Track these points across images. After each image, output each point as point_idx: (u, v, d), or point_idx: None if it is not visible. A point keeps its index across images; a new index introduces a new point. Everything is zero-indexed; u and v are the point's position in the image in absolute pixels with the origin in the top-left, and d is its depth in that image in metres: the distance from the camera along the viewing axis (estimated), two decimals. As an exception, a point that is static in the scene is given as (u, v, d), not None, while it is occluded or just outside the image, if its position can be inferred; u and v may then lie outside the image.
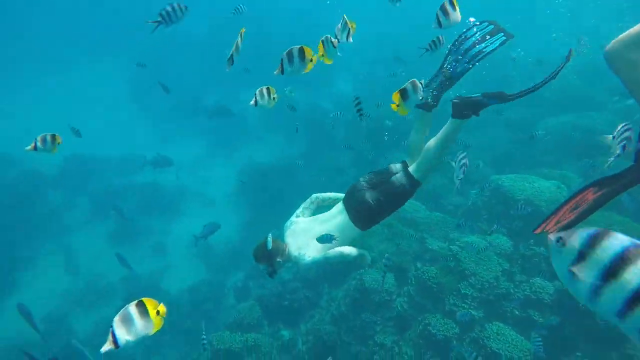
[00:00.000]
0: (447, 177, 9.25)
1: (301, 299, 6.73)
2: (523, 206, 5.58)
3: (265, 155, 13.13)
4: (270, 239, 3.22)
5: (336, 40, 2.82)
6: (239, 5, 4.75)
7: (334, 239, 3.11)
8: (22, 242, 10.95)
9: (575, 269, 1.18)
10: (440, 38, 3.35)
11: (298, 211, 3.62)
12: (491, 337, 4.91)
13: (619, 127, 2.71)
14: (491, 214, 6.95)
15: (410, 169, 3.28)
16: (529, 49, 12.41)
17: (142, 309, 2.07)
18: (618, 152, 2.62)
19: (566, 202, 1.74)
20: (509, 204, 6.65)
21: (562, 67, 2.71)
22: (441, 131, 3.11)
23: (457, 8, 2.78)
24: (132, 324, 2.04)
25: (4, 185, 12.66)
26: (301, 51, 2.76)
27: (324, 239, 3.11)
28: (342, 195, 3.51)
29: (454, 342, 5.18)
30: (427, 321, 5.29)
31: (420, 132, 3.37)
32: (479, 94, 2.86)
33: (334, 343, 6.07)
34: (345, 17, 2.91)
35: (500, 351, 4.77)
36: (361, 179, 3.44)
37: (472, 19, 2.80)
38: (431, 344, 5.23)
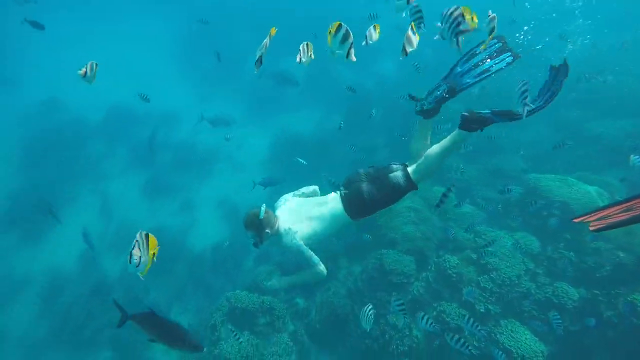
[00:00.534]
0: (479, 170, 9.02)
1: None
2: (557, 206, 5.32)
3: (301, 126, 13.15)
4: (264, 208, 3.26)
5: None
6: None
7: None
8: (64, 183, 11.60)
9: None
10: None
11: (296, 192, 3.64)
12: (504, 333, 4.89)
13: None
14: (523, 212, 6.77)
15: (410, 169, 3.26)
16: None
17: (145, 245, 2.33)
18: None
19: (620, 202, 1.69)
20: (542, 204, 6.44)
21: (564, 80, 2.78)
22: (446, 139, 3.12)
23: (417, 36, 2.73)
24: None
25: (51, 128, 13.35)
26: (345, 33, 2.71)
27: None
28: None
29: (466, 332, 5.19)
30: (441, 308, 5.31)
31: (420, 138, 3.37)
32: (489, 111, 2.86)
33: (346, 316, 6.20)
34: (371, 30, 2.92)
35: (512, 349, 4.75)
36: (361, 170, 3.45)
37: (491, 13, 2.68)
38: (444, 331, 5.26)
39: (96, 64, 3.17)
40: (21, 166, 12.29)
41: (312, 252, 3.12)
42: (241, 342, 5.12)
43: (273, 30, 3.02)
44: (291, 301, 6.72)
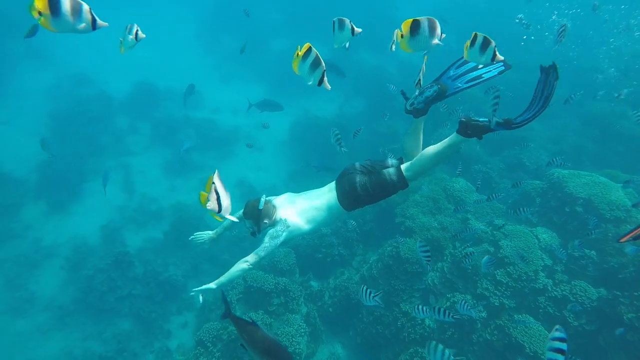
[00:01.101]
0: (505, 163, 8.86)
1: (335, 255, 6.93)
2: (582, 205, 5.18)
3: (322, 110, 13.08)
4: (264, 199, 3.31)
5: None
6: None
7: None
8: (90, 156, 11.91)
9: None
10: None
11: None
12: (518, 327, 4.87)
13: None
14: (544, 207, 6.64)
15: (403, 167, 3.23)
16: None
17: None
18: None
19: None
20: (565, 200, 6.31)
21: (556, 80, 2.67)
22: (443, 141, 3.03)
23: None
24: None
25: (79, 102, 13.63)
26: None
27: None
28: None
29: (478, 324, 5.21)
30: (455, 299, 5.32)
31: (412, 137, 3.33)
32: (487, 119, 2.79)
33: (358, 302, 6.29)
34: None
35: (525, 343, 4.73)
36: (357, 163, 3.46)
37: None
38: (456, 322, 5.28)
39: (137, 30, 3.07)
40: (49, 139, 12.64)
41: (271, 252, 3.22)
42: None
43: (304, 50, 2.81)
44: (305, 284, 6.84)
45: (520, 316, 5.03)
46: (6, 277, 8.58)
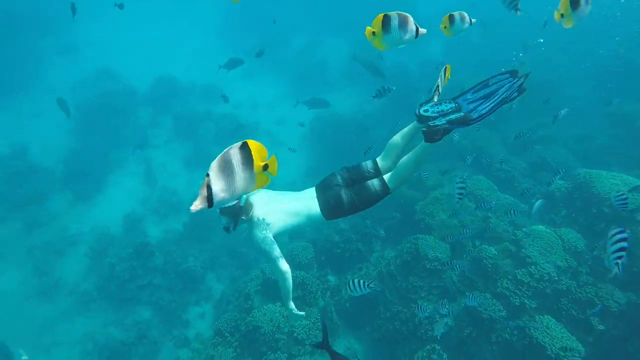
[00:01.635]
0: (527, 162, 8.68)
1: (353, 250, 6.92)
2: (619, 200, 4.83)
3: (342, 107, 13.05)
4: (245, 197, 3.24)
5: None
6: None
7: None
8: (114, 149, 12.21)
9: None
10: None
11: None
12: (539, 328, 4.78)
13: None
14: (569, 208, 6.48)
15: (386, 177, 3.25)
16: None
17: (246, 155, 1.95)
18: None
19: None
20: (591, 201, 6.14)
21: (525, 80, 2.87)
22: (414, 151, 3.15)
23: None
24: (231, 175, 1.93)
25: (104, 96, 13.97)
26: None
27: None
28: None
29: (498, 324, 5.12)
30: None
31: (405, 139, 3.33)
32: (445, 121, 2.96)
33: (376, 298, 6.27)
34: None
35: (546, 345, 4.64)
36: (337, 174, 3.43)
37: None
38: (474, 320, 5.21)
39: None
40: (75, 130, 13.02)
41: (275, 247, 3.13)
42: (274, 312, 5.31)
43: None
44: (323, 278, 6.86)
45: (542, 317, 4.92)
46: (35, 263, 8.89)
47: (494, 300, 5.20)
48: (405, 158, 3.19)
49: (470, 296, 4.90)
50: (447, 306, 4.96)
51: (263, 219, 3.18)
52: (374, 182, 3.25)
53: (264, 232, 3.13)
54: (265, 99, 15.44)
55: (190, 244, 9.48)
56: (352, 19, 17.58)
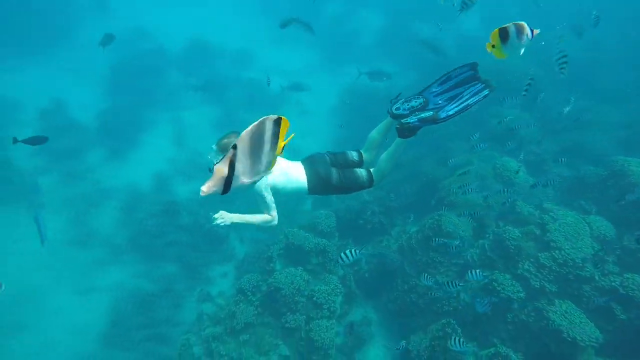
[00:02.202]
0: (559, 144, 8.39)
1: (375, 222, 7.01)
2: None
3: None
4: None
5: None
6: None
7: None
8: (146, 108, 12.48)
9: None
10: None
11: None
12: (557, 312, 4.80)
13: None
14: (602, 195, 6.32)
15: (372, 170, 3.46)
16: None
17: (277, 132, 1.79)
18: None
19: None
20: (627, 190, 5.96)
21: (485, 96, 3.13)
22: (391, 148, 3.41)
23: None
24: (259, 152, 1.76)
25: (137, 55, 14.15)
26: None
27: None
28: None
29: (515, 304, 5.16)
30: (493, 277, 5.28)
31: (381, 134, 3.59)
32: (415, 119, 3.20)
33: (394, 270, 6.38)
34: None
35: (562, 328, 4.67)
36: (325, 154, 3.50)
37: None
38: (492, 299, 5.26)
39: None
40: (109, 89, 13.34)
41: (269, 191, 3.18)
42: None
43: None
44: (344, 248, 7.00)
45: (561, 301, 4.91)
46: (72, 212, 9.39)
47: (513, 281, 5.22)
48: (384, 155, 3.46)
49: (481, 301, 4.89)
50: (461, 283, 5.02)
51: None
52: (362, 172, 3.45)
53: (263, 183, 3.16)
54: (295, 67, 15.30)
55: (215, 205, 9.73)
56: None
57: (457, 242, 5.71)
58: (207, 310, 7.22)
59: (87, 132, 11.49)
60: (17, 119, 11.62)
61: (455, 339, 4.63)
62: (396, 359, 5.94)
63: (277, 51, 16.28)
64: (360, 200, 7.30)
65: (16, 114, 11.80)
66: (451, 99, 3.33)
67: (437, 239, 5.74)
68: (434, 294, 5.49)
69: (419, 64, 12.69)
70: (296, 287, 5.62)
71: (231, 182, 1.70)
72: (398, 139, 3.35)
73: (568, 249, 5.15)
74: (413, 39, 12.16)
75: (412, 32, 14.97)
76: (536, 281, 5.10)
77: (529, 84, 3.84)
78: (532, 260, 5.27)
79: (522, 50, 2.56)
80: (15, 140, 5.10)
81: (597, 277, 5.05)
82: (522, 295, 5.07)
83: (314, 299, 5.72)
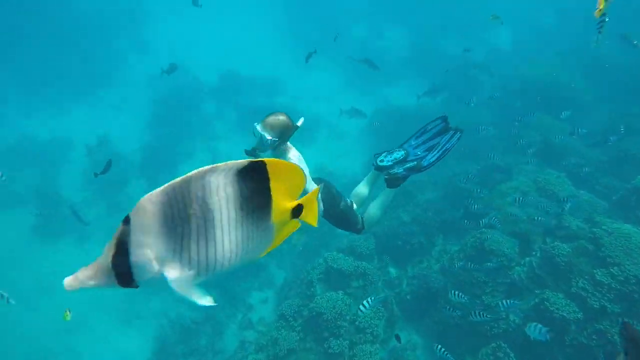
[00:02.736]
0: (608, 155, 8.00)
1: (414, 243, 6.87)
2: None
3: (402, 99, 12.84)
4: (303, 120, 3.06)
5: None
6: None
7: None
8: (184, 139, 13.01)
9: None
10: None
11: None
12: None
13: None
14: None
15: (364, 217, 3.56)
16: None
17: (252, 192, 1.22)
18: None
19: None
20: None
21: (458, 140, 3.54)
22: (380, 197, 3.58)
23: None
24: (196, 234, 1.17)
25: (175, 89, 14.88)
26: None
27: None
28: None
29: (572, 326, 4.86)
30: (545, 296, 5.01)
31: (368, 188, 3.71)
32: (402, 170, 3.47)
33: (437, 292, 6.19)
34: None
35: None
36: (333, 187, 3.45)
37: None
38: (545, 320, 4.97)
39: None
40: (150, 122, 14.03)
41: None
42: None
43: None
44: (384, 269, 6.89)
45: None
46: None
47: (568, 301, 4.93)
48: (373, 204, 3.61)
49: (534, 327, 4.44)
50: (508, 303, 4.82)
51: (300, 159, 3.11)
52: (358, 218, 3.52)
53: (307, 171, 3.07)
54: (324, 91, 15.58)
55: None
56: (413, 8, 17.18)
57: (493, 264, 5.53)
58: (249, 337, 7.23)
59: (130, 164, 12.08)
60: (67, 157, 12.43)
61: (508, 364, 4.39)
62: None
63: (305, 77, 16.66)
64: (398, 221, 7.21)
65: (67, 152, 12.62)
66: (430, 149, 3.64)
67: (471, 264, 5.57)
68: (474, 318, 5.25)
69: (449, 83, 12.62)
70: (338, 312, 5.54)
71: (128, 272, 1.10)
72: (387, 190, 3.56)
73: (629, 265, 4.82)
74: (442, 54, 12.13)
75: (441, 45, 14.97)
76: (594, 300, 4.78)
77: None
78: (586, 277, 4.97)
79: None
80: (96, 175, 5.68)
81: (662, 295, 4.69)
82: (579, 316, 4.77)
83: (357, 323, 5.62)
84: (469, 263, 5.67)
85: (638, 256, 4.82)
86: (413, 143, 3.74)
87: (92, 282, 1.16)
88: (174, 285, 1.20)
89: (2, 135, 12.57)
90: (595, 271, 4.93)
